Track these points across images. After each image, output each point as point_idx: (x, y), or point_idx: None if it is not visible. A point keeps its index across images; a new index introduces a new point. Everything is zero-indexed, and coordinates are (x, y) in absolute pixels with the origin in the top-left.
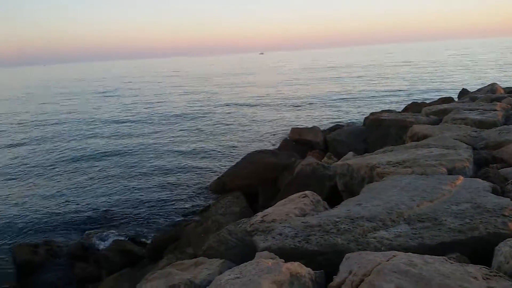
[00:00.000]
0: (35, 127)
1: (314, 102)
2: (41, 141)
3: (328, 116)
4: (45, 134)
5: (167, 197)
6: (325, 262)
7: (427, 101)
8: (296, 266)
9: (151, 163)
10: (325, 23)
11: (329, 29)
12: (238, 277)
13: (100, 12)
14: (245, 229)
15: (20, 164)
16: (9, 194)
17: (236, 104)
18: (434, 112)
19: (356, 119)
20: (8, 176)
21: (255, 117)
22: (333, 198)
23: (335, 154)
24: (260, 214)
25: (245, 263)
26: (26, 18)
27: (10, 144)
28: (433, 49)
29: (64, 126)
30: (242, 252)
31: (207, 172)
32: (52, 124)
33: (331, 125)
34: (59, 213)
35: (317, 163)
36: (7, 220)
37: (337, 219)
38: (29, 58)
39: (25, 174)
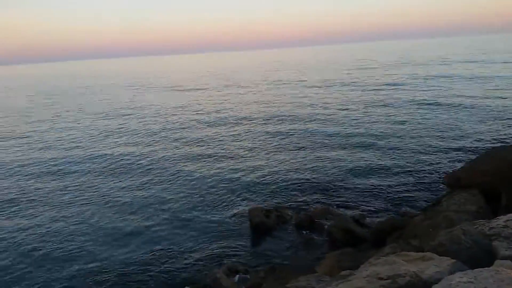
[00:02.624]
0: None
1: None
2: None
3: None
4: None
5: (396, 183)
6: None
7: None
8: None
9: (385, 151)
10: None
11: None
12: (471, 282)
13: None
14: (482, 232)
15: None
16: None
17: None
18: None
19: None
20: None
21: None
22: None
23: None
24: (503, 217)
25: (481, 268)
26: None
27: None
28: None
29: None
30: (477, 256)
31: (443, 164)
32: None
33: None
34: (298, 183)
35: None
36: (250, 184)
37: None
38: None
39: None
